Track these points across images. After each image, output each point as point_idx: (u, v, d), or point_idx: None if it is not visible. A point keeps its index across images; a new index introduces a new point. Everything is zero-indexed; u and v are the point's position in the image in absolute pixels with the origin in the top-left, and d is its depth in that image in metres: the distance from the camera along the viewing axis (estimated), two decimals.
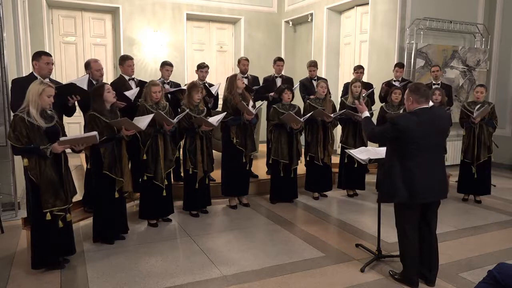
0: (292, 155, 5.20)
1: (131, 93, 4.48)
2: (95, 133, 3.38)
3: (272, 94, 5.86)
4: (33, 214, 3.31)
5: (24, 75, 4.94)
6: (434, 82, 6.03)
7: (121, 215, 4.04)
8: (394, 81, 6.18)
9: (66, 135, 3.39)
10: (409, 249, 3.13)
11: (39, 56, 4.00)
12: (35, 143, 3.12)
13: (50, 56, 4.09)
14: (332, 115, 5.19)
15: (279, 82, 6.05)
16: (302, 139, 5.40)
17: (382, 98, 6.10)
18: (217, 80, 7.92)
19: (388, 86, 6.05)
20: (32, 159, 3.16)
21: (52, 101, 3.24)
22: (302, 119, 5.03)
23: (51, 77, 4.20)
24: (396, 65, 6.24)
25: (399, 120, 3.03)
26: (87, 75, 4.37)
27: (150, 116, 4.00)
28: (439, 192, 3.12)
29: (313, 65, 6.18)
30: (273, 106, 5.30)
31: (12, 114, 4.16)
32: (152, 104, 4.25)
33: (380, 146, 3.63)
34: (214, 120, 4.59)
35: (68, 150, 3.34)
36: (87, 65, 4.64)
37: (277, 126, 5.16)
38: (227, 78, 5.14)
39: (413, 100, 3.06)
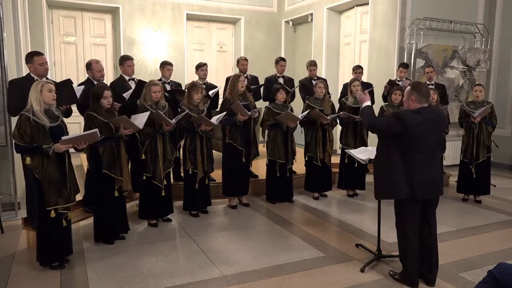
0: (288, 155, 5.19)
1: (126, 93, 4.49)
2: (96, 130, 3.41)
3: None
4: (39, 212, 3.30)
5: (24, 75, 4.93)
6: (428, 82, 6.02)
7: (121, 215, 4.04)
8: (398, 81, 6.17)
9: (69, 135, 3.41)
10: (409, 249, 3.13)
11: (31, 57, 3.96)
12: (39, 142, 3.16)
13: (42, 55, 4.03)
14: (328, 117, 5.18)
15: (281, 82, 6.04)
16: (300, 138, 5.37)
17: (385, 97, 6.09)
18: (217, 81, 7.93)
19: (390, 85, 6.04)
20: (36, 158, 3.20)
21: (55, 96, 3.27)
22: (300, 116, 5.03)
23: (48, 76, 4.17)
24: (400, 66, 6.23)
25: (404, 115, 3.03)
26: (82, 86, 4.31)
27: (147, 114, 3.99)
28: (437, 189, 3.14)
29: (312, 64, 6.17)
30: (267, 106, 5.27)
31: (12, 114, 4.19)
32: (151, 104, 4.25)
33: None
34: (214, 119, 4.59)
35: (71, 150, 3.36)
36: (89, 66, 4.62)
37: (273, 126, 5.14)
38: (227, 78, 5.11)
39: (415, 99, 3.06)
